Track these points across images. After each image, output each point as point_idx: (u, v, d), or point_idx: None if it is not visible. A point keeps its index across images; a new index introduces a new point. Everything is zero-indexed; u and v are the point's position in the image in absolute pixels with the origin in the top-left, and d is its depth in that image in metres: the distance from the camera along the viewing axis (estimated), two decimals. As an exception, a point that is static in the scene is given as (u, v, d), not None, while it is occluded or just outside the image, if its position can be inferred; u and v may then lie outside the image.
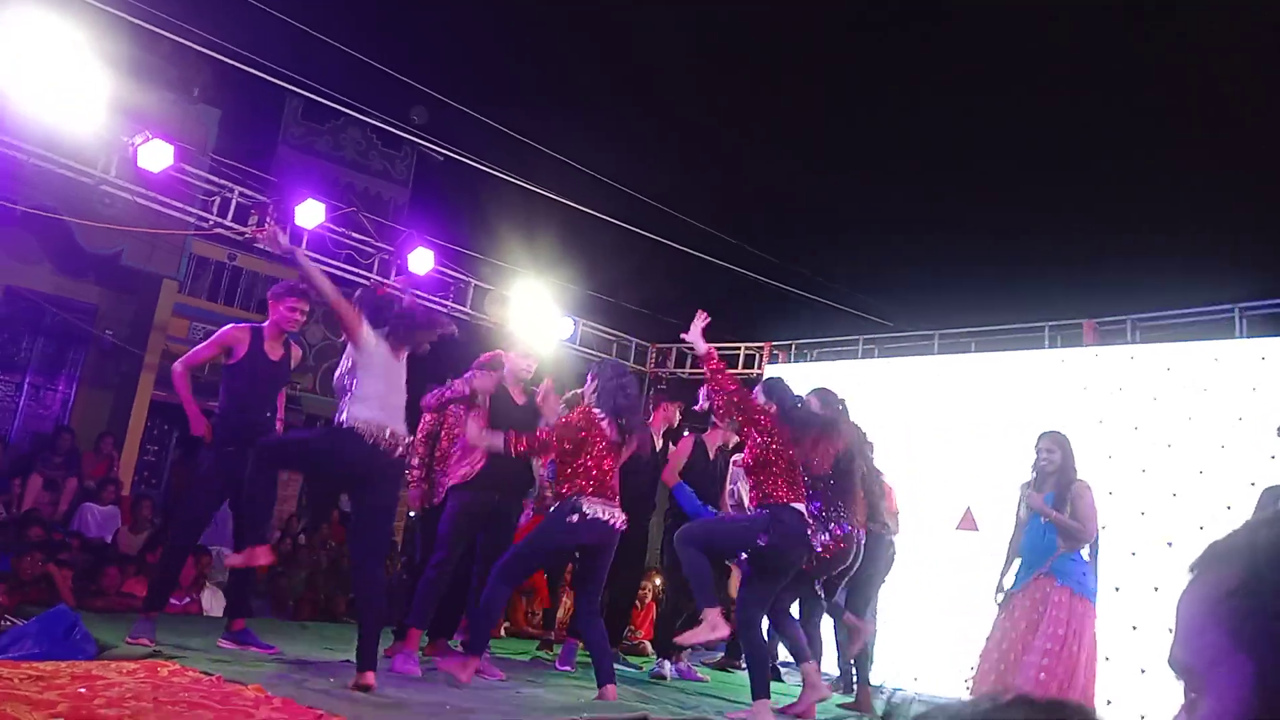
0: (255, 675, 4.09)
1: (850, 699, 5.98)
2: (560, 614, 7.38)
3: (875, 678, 6.90)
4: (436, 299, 9.30)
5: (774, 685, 5.29)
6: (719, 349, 10.30)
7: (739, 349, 10.08)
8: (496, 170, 9.13)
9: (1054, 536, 4.93)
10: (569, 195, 9.38)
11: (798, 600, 5.56)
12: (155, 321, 10.92)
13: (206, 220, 8.03)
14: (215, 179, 8.15)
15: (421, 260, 8.88)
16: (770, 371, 9.23)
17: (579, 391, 5.47)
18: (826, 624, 6.38)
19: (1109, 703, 5.11)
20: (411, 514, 6.25)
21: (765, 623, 5.08)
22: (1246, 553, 0.74)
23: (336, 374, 4.51)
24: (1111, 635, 5.20)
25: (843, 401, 5.45)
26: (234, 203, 8.04)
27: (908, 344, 9.01)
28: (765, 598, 4.84)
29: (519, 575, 4.78)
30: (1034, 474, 5.14)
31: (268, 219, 5.09)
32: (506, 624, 7.83)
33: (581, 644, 6.50)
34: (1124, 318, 7.70)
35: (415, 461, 5.74)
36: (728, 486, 6.42)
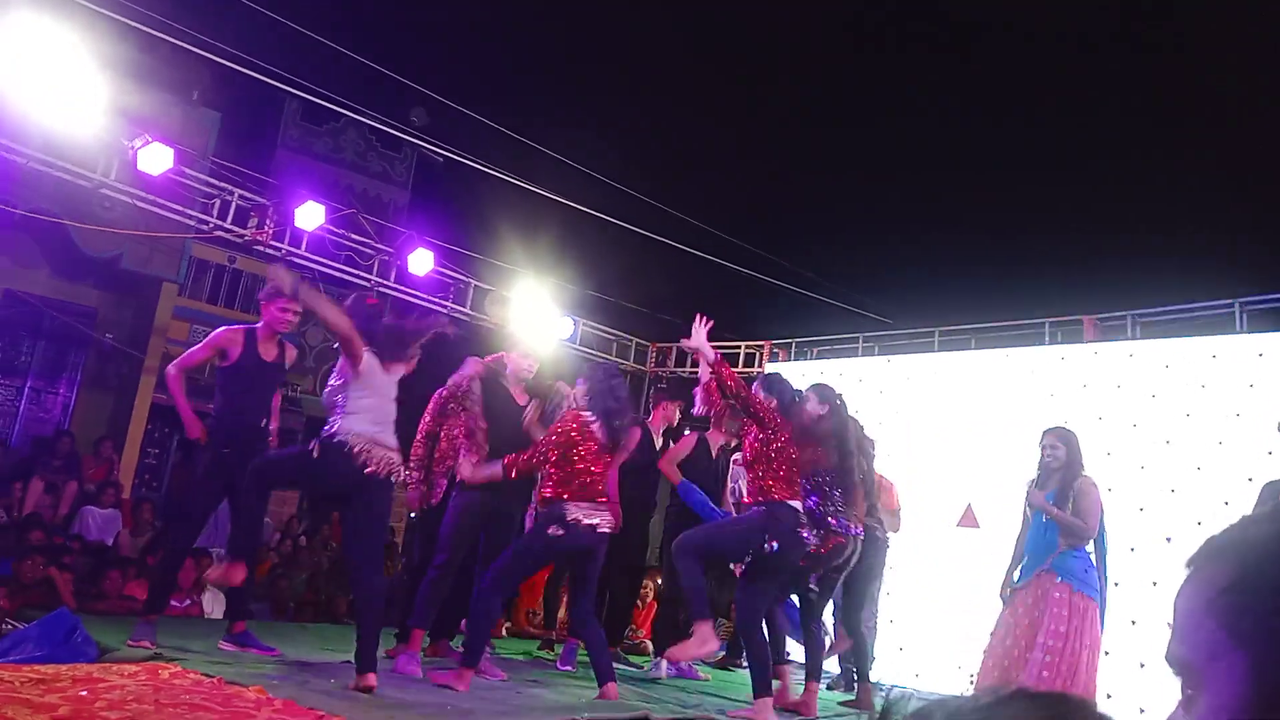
0: (256, 677, 4.09)
1: (851, 696, 5.98)
2: (561, 613, 7.38)
3: (876, 675, 6.92)
4: (436, 300, 9.30)
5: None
6: (719, 347, 10.33)
7: (739, 347, 10.08)
8: (496, 171, 9.14)
9: (1056, 534, 4.93)
10: (569, 195, 9.39)
11: (795, 597, 5.55)
12: (155, 325, 10.93)
13: (206, 223, 8.04)
14: (215, 182, 8.16)
15: (421, 261, 8.89)
16: (770, 369, 9.23)
17: (557, 385, 5.45)
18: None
19: (1109, 696, 5.13)
20: (412, 515, 6.25)
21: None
22: (1242, 549, 0.74)
23: (326, 390, 4.52)
24: (1111, 630, 5.21)
25: (840, 396, 5.45)
26: (234, 205, 8.05)
27: (908, 341, 9.00)
28: (764, 596, 4.84)
29: (508, 585, 4.77)
30: (1039, 471, 5.14)
31: (275, 266, 5.10)
32: (508, 624, 7.83)
33: (582, 644, 6.51)
34: (1124, 314, 7.69)
35: (413, 463, 5.75)
36: (729, 485, 6.43)
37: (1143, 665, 5.79)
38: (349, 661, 4.35)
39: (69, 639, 4.40)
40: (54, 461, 8.72)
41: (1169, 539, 6.32)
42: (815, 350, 9.70)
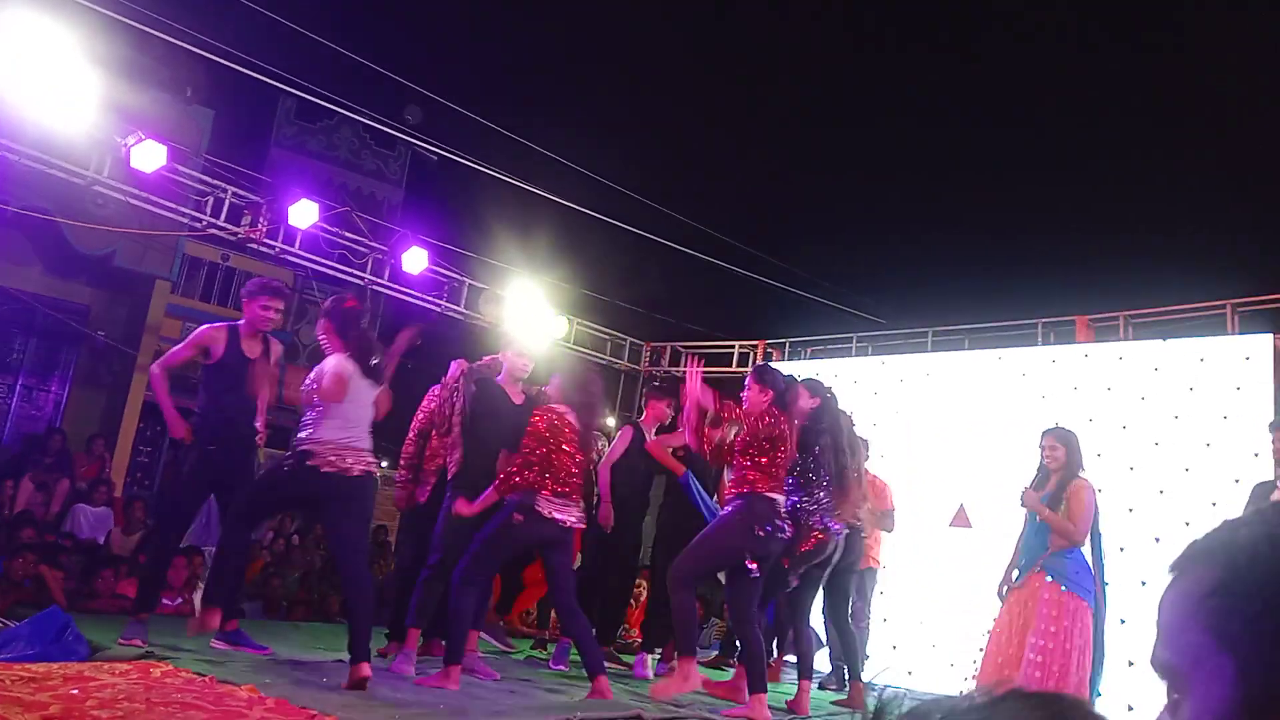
0: (248, 676, 4.08)
1: (843, 695, 5.98)
2: (554, 612, 7.38)
3: (869, 673, 6.93)
4: (430, 298, 9.30)
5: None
6: (714, 347, 10.39)
7: (733, 346, 10.10)
8: (490, 169, 9.14)
9: (1049, 534, 4.96)
10: (564, 194, 9.41)
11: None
12: (148, 322, 10.91)
13: (199, 221, 8.02)
14: (208, 179, 8.14)
15: (415, 260, 8.87)
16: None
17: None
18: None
19: (1098, 694, 5.16)
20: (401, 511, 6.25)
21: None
22: (1227, 552, 0.74)
23: (303, 387, 4.52)
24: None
25: (830, 389, 5.46)
26: (227, 203, 8.02)
27: (902, 341, 9.02)
28: (752, 592, 4.84)
29: (478, 577, 4.74)
30: (1038, 472, 5.17)
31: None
32: (502, 622, 7.82)
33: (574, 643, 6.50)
34: (1117, 314, 7.72)
35: (403, 461, 5.75)
36: (726, 477, 6.42)
37: (1131, 663, 5.82)
38: (341, 660, 4.35)
39: (60, 637, 4.39)
40: (45, 459, 8.69)
41: (1157, 539, 6.40)
42: (809, 350, 9.71)
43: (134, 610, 5.00)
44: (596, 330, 10.64)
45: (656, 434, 6.45)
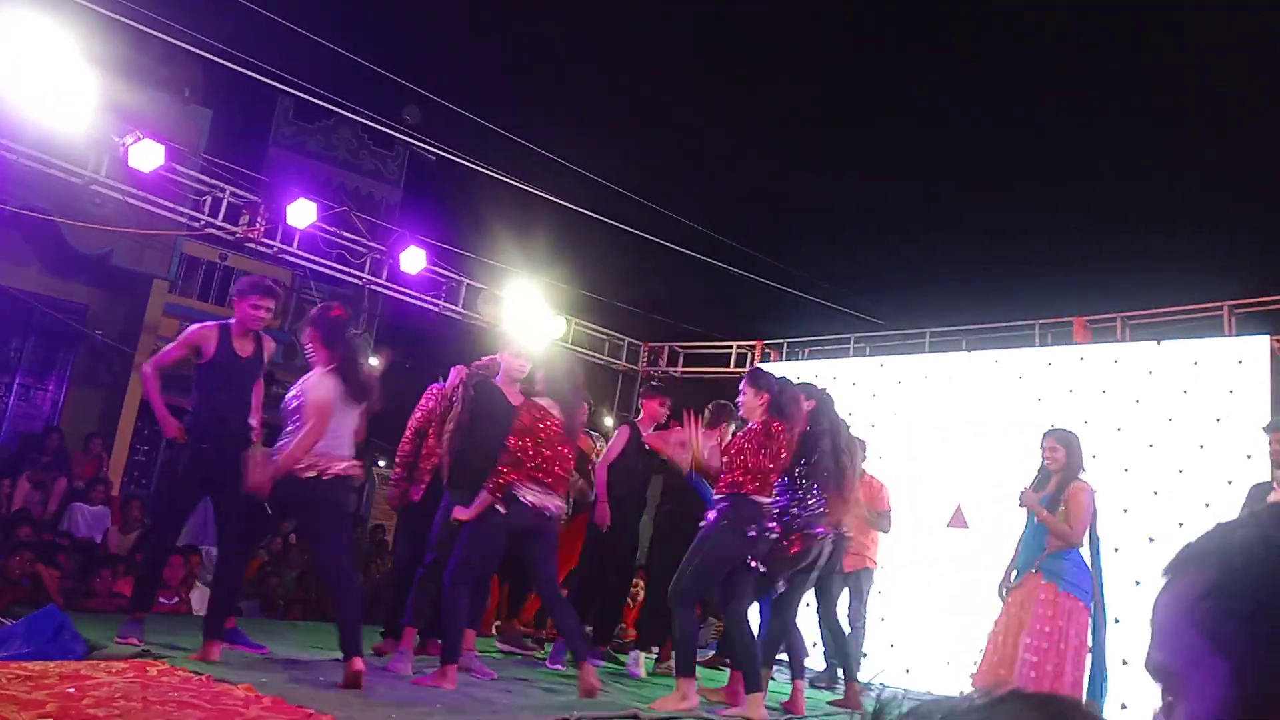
0: (245, 674, 4.08)
1: (839, 696, 5.99)
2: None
3: (868, 670, 6.94)
4: (429, 298, 9.30)
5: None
6: (712, 347, 10.39)
7: (730, 347, 10.10)
8: (489, 170, 9.14)
9: (1046, 535, 4.97)
10: (562, 195, 9.41)
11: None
12: (146, 321, 10.90)
13: (198, 220, 8.02)
14: (206, 179, 8.14)
15: (413, 259, 8.87)
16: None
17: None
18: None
19: (1103, 696, 5.18)
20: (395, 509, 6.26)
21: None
22: (1221, 555, 0.74)
23: (286, 399, 4.52)
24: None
25: (824, 391, 5.46)
26: (225, 203, 8.02)
27: (899, 342, 9.03)
28: (745, 592, 4.85)
29: (469, 574, 4.74)
30: (1038, 473, 5.19)
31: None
32: (498, 622, 7.82)
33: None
34: (1114, 315, 7.74)
35: (399, 459, 5.75)
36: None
37: (1125, 662, 5.84)
38: (338, 659, 4.35)
39: (57, 635, 4.39)
40: (43, 458, 8.69)
41: (1152, 539, 6.47)
42: (807, 350, 9.72)
43: (130, 609, 5.00)
44: (595, 330, 10.64)
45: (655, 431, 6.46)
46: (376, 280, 8.97)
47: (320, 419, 4.28)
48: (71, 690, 3.39)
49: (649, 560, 6.74)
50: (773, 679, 5.91)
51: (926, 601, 7.34)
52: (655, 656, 6.61)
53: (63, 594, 6.18)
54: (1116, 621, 6.14)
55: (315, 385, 4.36)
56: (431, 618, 5.37)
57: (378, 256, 8.95)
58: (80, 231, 9.38)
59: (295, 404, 4.37)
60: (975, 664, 5.17)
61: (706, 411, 6.38)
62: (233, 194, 8.09)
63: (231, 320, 5.09)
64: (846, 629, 6.82)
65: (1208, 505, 6.29)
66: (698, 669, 6.60)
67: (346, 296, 13.24)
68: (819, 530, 5.14)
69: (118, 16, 6.90)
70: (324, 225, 8.57)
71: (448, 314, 9.44)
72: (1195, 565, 0.76)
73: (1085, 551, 5.02)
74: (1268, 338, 6.70)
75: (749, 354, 9.94)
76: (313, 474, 4.27)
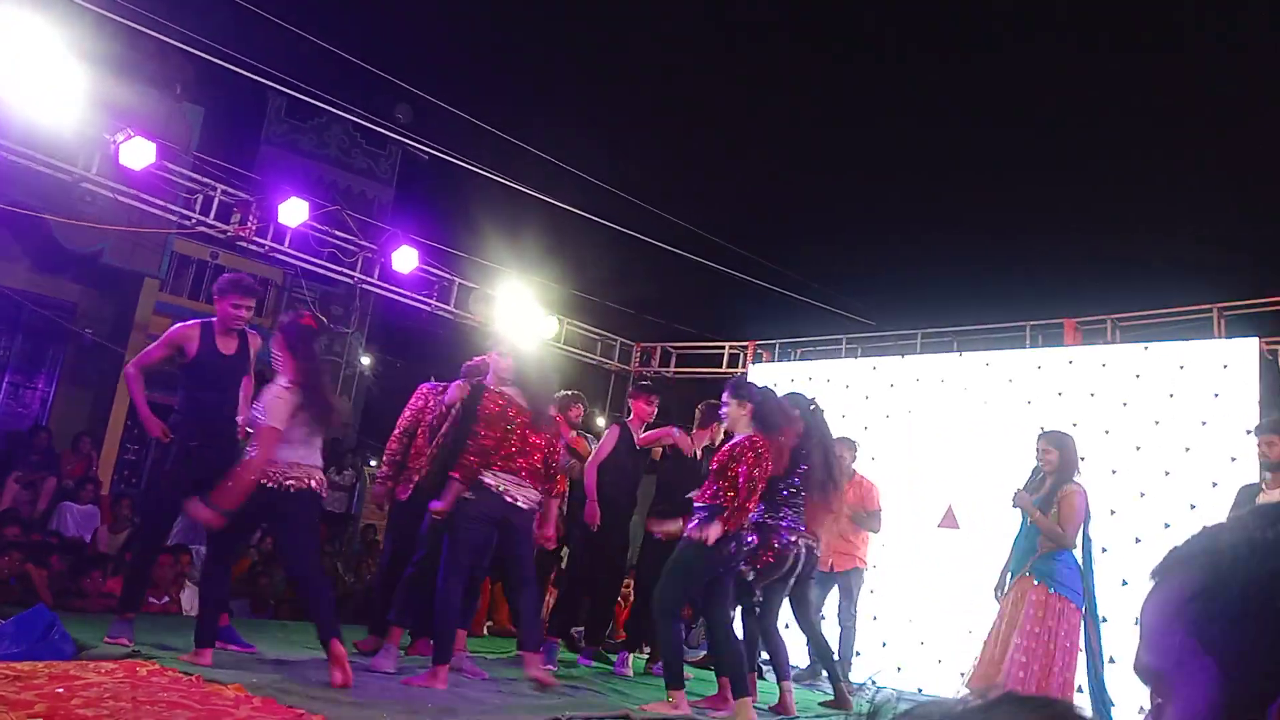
0: (235, 675, 4.07)
1: (830, 697, 6.00)
2: (543, 613, 7.38)
3: (861, 670, 6.96)
4: (421, 297, 9.28)
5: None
6: (704, 348, 10.40)
7: (723, 348, 10.11)
8: (482, 169, 9.13)
9: (1038, 536, 5.00)
10: (554, 194, 9.40)
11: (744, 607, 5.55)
12: (136, 320, 10.87)
13: (189, 218, 7.99)
14: (198, 177, 8.12)
15: (405, 259, 8.86)
16: (755, 371, 9.27)
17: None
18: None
19: (1079, 690, 5.21)
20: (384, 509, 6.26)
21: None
22: (1209, 557, 0.75)
23: (252, 408, 4.52)
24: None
25: (814, 401, 5.47)
26: (216, 201, 8.00)
27: (891, 343, 9.05)
28: (725, 598, 4.87)
29: (459, 572, 4.73)
30: (1033, 474, 5.22)
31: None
32: (489, 622, 7.82)
33: (562, 642, 6.50)
34: (1104, 317, 7.78)
35: (386, 458, 5.74)
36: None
37: (1112, 660, 5.88)
38: (326, 659, 4.34)
39: (46, 635, 4.37)
40: (32, 457, 8.65)
41: (1138, 540, 6.55)
42: (799, 351, 9.74)
43: (120, 609, 4.97)
44: (586, 330, 10.64)
45: (643, 432, 6.47)
46: (368, 279, 8.96)
47: (271, 441, 4.27)
48: (61, 690, 3.38)
49: (640, 560, 6.74)
50: (762, 678, 5.91)
51: (918, 601, 7.39)
52: (646, 656, 6.61)
53: (52, 594, 6.15)
54: (1104, 620, 6.18)
55: (272, 403, 4.32)
56: (422, 617, 5.37)
57: (370, 255, 8.93)
58: (70, 229, 9.35)
59: (259, 415, 4.37)
60: (973, 664, 5.18)
61: (698, 412, 6.39)
62: (224, 192, 8.07)
63: (214, 319, 5.07)
64: (836, 629, 6.84)
65: (1193, 506, 6.39)
66: (689, 669, 6.63)
67: (338, 295, 13.24)
68: (794, 540, 5.18)
69: (109, 13, 6.87)
70: (316, 224, 8.55)
71: (440, 313, 9.43)
72: (1183, 568, 0.76)
73: (1078, 553, 5.05)
74: (1257, 340, 6.76)
75: (741, 355, 9.95)
76: (271, 485, 4.29)
